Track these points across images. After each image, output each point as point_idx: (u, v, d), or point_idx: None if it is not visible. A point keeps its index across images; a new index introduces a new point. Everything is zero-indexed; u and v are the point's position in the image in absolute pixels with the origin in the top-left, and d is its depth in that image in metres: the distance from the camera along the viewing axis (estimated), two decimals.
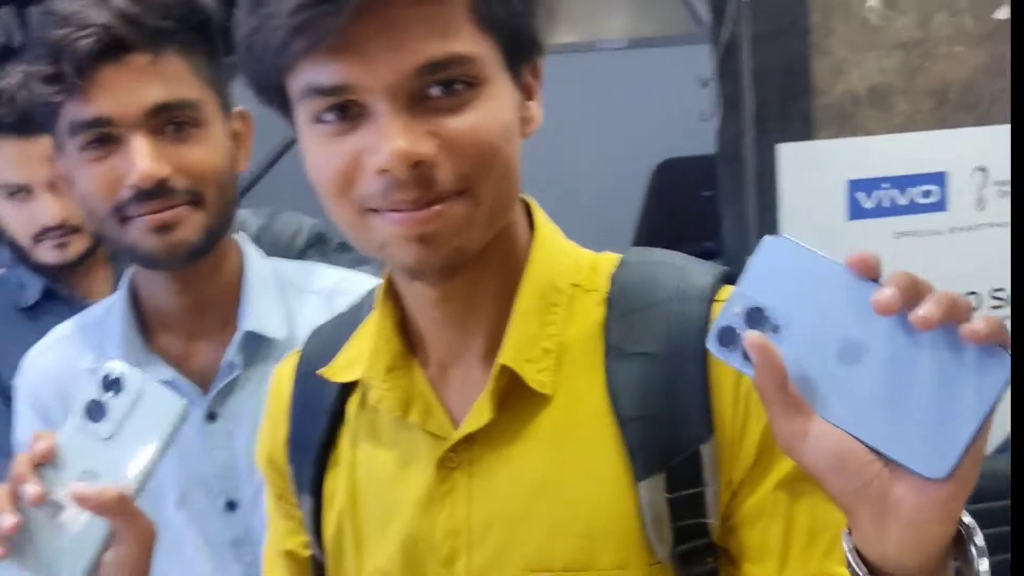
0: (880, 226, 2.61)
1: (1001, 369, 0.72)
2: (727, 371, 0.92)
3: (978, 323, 0.71)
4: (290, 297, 1.47)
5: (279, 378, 1.17)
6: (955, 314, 0.72)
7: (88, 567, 1.00)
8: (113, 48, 1.28)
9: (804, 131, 2.74)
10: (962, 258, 2.61)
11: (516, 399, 0.98)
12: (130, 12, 1.29)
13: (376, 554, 1.05)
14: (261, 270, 1.48)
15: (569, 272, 1.02)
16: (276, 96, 0.94)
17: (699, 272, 0.99)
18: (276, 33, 0.85)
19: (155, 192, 1.29)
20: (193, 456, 1.42)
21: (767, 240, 0.79)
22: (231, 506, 1.43)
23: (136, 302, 1.46)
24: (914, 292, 0.72)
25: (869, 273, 0.75)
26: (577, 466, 0.96)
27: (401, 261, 0.92)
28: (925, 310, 0.71)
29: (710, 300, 0.96)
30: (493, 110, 0.90)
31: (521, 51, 0.94)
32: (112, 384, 1.02)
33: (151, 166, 1.28)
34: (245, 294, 1.44)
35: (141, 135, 1.29)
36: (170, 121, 1.31)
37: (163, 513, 1.42)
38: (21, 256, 2.11)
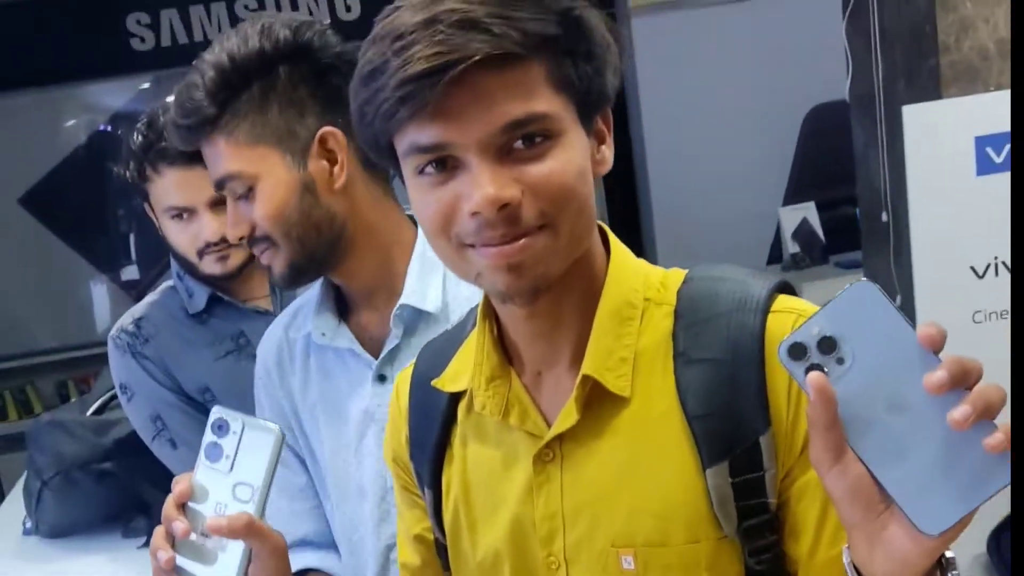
0: (1008, 181, 2.61)
1: (1003, 475, 0.86)
2: (781, 372, 1.04)
3: (998, 436, 0.84)
4: (449, 274, 1.65)
5: (399, 386, 1.37)
6: (986, 413, 0.85)
7: None
8: None
9: (932, 88, 2.74)
10: None
11: (599, 402, 1.14)
12: None
13: (488, 536, 1.24)
14: (426, 249, 1.67)
15: (641, 288, 1.17)
16: (386, 153, 1.11)
17: (757, 285, 1.13)
18: (385, 104, 1.03)
19: (251, 242, 1.59)
20: (370, 410, 1.67)
21: (859, 284, 0.90)
22: None
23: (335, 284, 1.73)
24: (962, 378, 0.85)
25: (933, 347, 0.87)
26: (652, 456, 1.12)
27: (493, 287, 1.09)
28: (960, 413, 0.84)
29: (766, 311, 1.10)
30: (568, 158, 1.05)
31: (592, 106, 1.09)
32: (219, 427, 1.19)
33: (234, 231, 1.60)
34: (409, 271, 1.66)
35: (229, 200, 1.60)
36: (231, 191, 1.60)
37: (345, 459, 1.69)
38: (188, 268, 2.33)
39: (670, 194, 5.65)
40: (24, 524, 2.72)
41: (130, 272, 5.40)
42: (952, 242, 2.60)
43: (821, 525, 1.09)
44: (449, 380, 1.26)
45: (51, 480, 2.59)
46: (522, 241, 1.05)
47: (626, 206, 5.86)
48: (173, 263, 2.36)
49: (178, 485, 1.20)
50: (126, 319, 2.40)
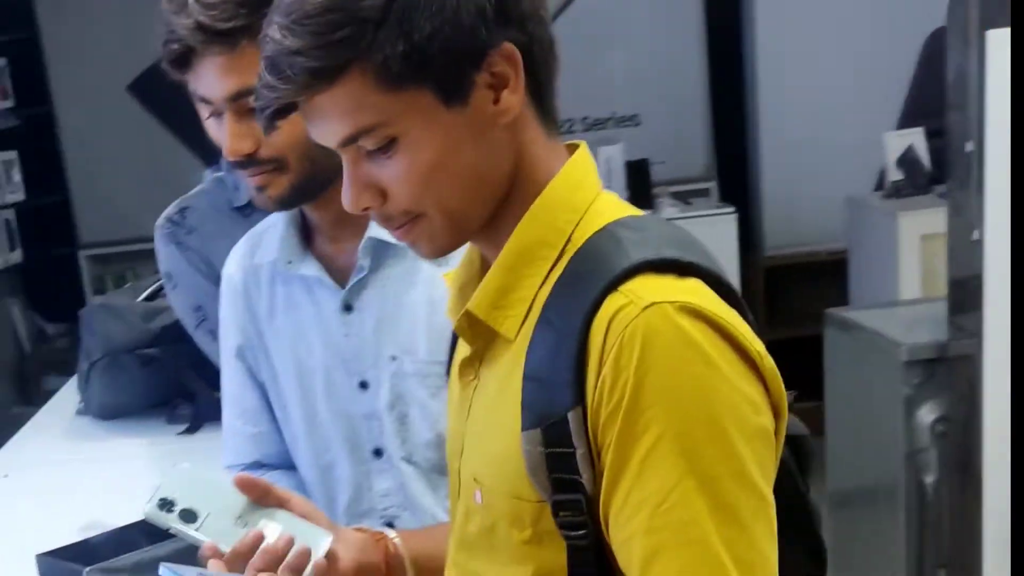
0: None
1: None
2: (596, 353, 1.02)
3: None
4: None
5: None
6: None
7: None
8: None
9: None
10: None
11: (495, 338, 1.14)
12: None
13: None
14: None
15: (567, 229, 1.11)
16: None
17: (629, 256, 1.05)
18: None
19: (244, 163, 1.56)
20: (334, 341, 1.68)
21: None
22: (363, 385, 1.68)
23: (302, 211, 1.71)
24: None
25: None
26: (505, 405, 1.11)
27: None
28: None
29: (609, 288, 1.03)
30: (413, 155, 1.06)
31: (454, 74, 1.05)
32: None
33: (234, 144, 1.55)
34: None
35: (229, 115, 1.55)
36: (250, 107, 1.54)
37: (312, 391, 1.71)
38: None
39: (780, 117, 5.53)
40: (79, 405, 2.80)
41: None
42: None
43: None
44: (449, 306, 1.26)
45: (98, 362, 2.65)
46: (403, 228, 1.12)
47: (734, 128, 5.75)
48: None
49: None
50: (172, 208, 2.41)
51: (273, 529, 1.26)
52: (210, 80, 1.53)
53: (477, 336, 1.15)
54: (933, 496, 2.97)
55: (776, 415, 1.06)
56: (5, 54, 5.38)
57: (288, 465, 1.81)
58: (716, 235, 4.87)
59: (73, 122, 5.60)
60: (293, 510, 1.32)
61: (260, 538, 1.26)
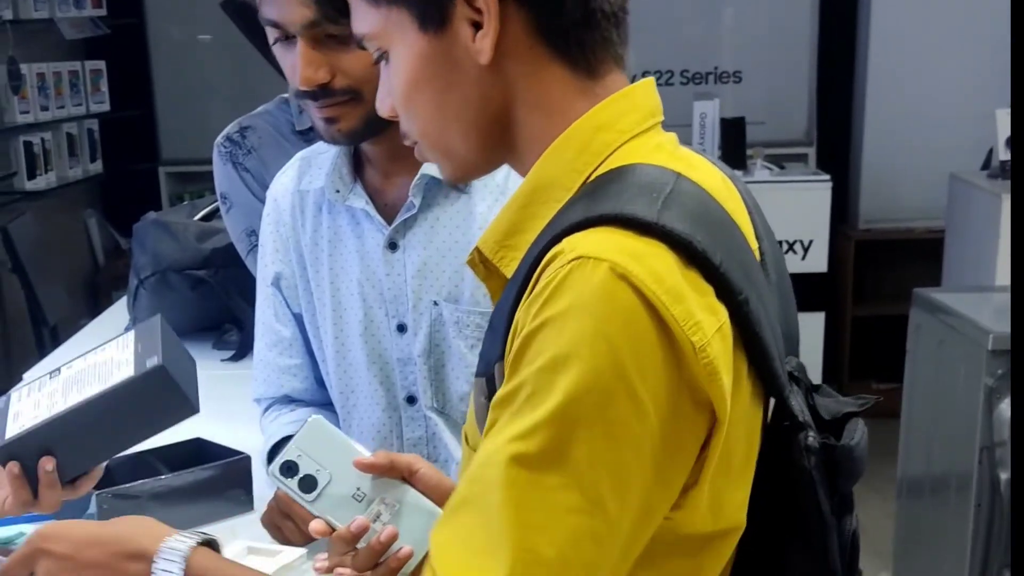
0: None
1: None
2: (526, 305, 0.96)
3: None
4: None
5: None
6: None
7: None
8: None
9: None
10: None
11: (501, 278, 1.08)
12: None
13: None
14: None
15: (584, 171, 1.03)
16: None
17: (590, 208, 0.97)
18: None
19: (316, 93, 1.51)
20: (375, 279, 1.63)
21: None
22: (401, 328, 1.63)
23: None
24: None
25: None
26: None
27: None
28: None
29: (557, 238, 0.96)
30: (396, 69, 1.07)
31: (431, 4, 1.03)
32: (289, 469, 1.24)
33: (308, 72, 1.49)
34: None
35: (303, 42, 1.49)
36: (332, 31, 1.48)
37: (348, 329, 1.66)
38: None
39: (887, 85, 5.34)
40: (128, 321, 2.73)
41: None
42: None
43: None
44: None
45: (148, 279, 2.58)
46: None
47: (839, 94, 5.55)
48: None
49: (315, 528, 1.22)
50: (233, 127, 2.33)
51: (384, 515, 1.22)
52: (286, 4, 1.47)
53: (490, 275, 1.09)
54: (1006, 494, 2.83)
55: (714, 417, 0.94)
56: None
57: (320, 402, 1.74)
58: (808, 203, 4.71)
59: (163, 35, 5.56)
60: (418, 484, 1.23)
61: (365, 529, 1.19)
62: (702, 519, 0.98)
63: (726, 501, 0.98)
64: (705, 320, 0.93)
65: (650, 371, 0.91)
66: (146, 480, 1.70)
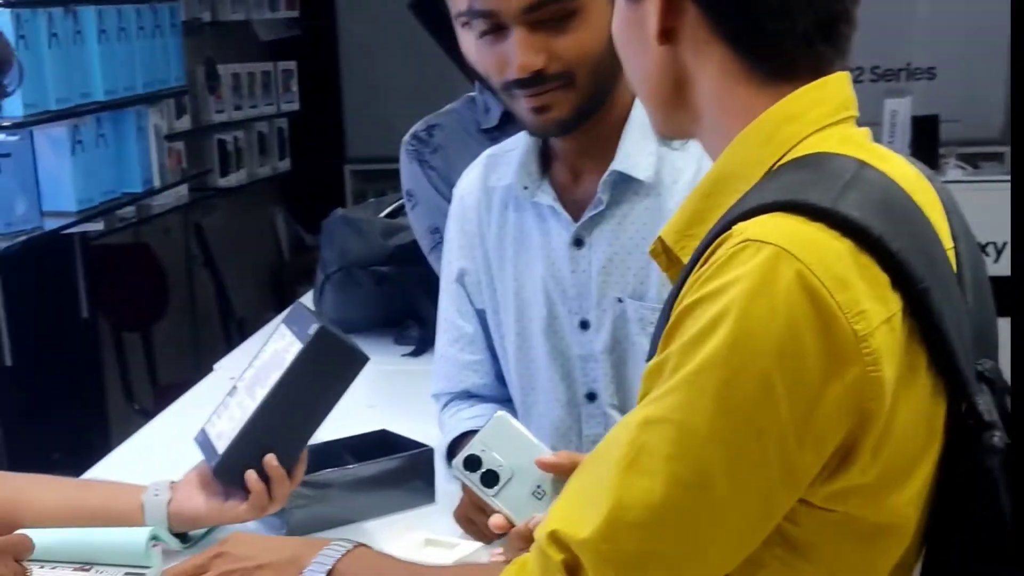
0: None
1: None
2: (688, 286, 0.97)
3: None
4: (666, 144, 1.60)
5: None
6: None
7: None
8: None
9: None
10: None
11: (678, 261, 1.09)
12: None
13: None
14: (641, 113, 1.53)
15: (769, 161, 1.02)
16: None
17: (771, 195, 0.96)
18: None
19: (532, 80, 1.49)
20: (559, 275, 1.63)
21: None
22: (584, 325, 1.63)
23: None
24: None
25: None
26: None
27: None
28: None
29: (728, 224, 0.97)
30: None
31: None
32: (473, 462, 1.28)
33: (526, 58, 1.47)
34: (623, 137, 1.58)
35: (520, 28, 1.47)
36: (547, 15, 1.47)
37: (530, 326, 1.66)
38: (484, 82, 2.25)
39: None
40: None
41: None
42: None
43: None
44: None
45: (334, 275, 2.63)
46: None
47: None
48: None
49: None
50: (420, 125, 2.38)
51: None
52: None
53: (671, 264, 1.09)
54: None
55: (872, 409, 0.92)
56: None
57: (499, 398, 1.75)
58: (1000, 204, 4.51)
59: (354, 37, 5.67)
60: None
61: None
62: (863, 512, 0.96)
63: (892, 495, 0.96)
64: (872, 309, 0.91)
65: (794, 358, 0.90)
66: (334, 469, 1.73)
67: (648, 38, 1.06)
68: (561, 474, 1.22)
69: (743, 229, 0.94)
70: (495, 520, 1.24)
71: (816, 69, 1.03)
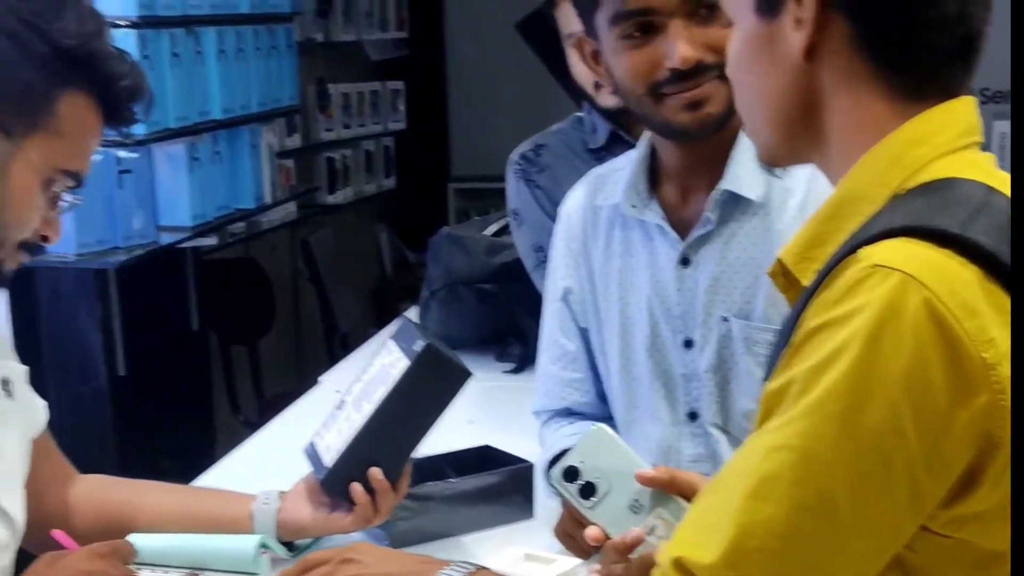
0: None
1: None
2: (813, 309, 0.97)
3: None
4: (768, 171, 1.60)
5: None
6: None
7: None
8: None
9: None
10: None
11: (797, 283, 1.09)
12: None
13: None
14: None
15: (894, 185, 1.01)
16: None
17: (899, 220, 0.96)
18: None
19: (691, 72, 1.50)
20: (665, 294, 1.64)
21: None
22: (688, 344, 1.63)
23: (654, 155, 1.66)
24: None
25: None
26: None
27: None
28: None
29: (853, 248, 0.96)
30: (732, 41, 1.12)
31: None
32: (571, 474, 1.29)
33: (687, 50, 1.49)
34: (733, 156, 1.59)
35: (678, 21, 1.50)
36: (701, 5, 1.49)
37: (633, 343, 1.67)
38: (591, 102, 2.28)
39: None
40: None
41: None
42: None
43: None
44: None
45: (438, 292, 2.67)
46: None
47: None
48: None
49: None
50: (527, 145, 2.41)
51: (660, 529, 1.24)
52: None
53: (789, 286, 1.08)
54: None
55: (999, 436, 0.92)
56: None
57: (600, 416, 1.76)
58: None
59: (461, 57, 5.74)
60: None
61: (639, 540, 1.23)
62: (980, 539, 0.96)
63: (1008, 524, 0.95)
64: (1000, 337, 0.90)
65: (921, 387, 0.90)
66: (436, 483, 1.75)
67: (782, 56, 1.05)
68: (660, 488, 1.23)
69: (870, 254, 0.94)
70: (591, 531, 1.25)
71: (946, 89, 1.04)
